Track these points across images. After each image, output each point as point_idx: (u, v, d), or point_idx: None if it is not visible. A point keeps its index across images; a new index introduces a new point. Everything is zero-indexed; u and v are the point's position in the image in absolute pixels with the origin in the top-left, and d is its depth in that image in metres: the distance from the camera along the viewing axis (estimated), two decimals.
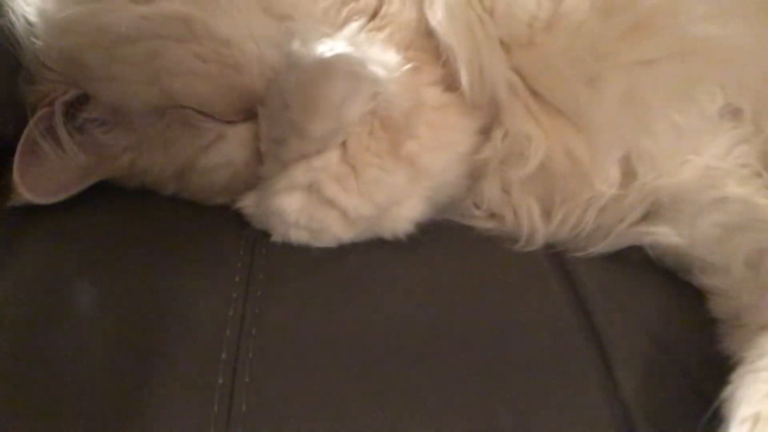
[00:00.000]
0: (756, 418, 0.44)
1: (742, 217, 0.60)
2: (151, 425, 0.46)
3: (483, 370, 0.53)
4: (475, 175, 0.67)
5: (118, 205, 0.63)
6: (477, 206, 0.68)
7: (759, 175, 0.65)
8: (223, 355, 0.51)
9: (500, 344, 0.55)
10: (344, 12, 0.65)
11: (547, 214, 0.66)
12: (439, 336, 0.55)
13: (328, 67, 0.56)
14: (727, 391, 0.47)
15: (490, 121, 0.65)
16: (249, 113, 0.63)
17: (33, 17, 0.60)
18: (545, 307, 0.59)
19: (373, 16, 0.66)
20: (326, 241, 0.61)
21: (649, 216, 0.65)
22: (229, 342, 0.52)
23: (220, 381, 0.49)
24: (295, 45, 0.57)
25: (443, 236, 0.65)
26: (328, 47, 0.56)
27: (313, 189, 0.59)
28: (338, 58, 0.56)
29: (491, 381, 0.52)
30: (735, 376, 0.47)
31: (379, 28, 0.64)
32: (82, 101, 0.61)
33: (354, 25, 0.61)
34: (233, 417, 0.47)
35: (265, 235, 0.62)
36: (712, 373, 0.50)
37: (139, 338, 0.51)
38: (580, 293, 0.60)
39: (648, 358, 0.54)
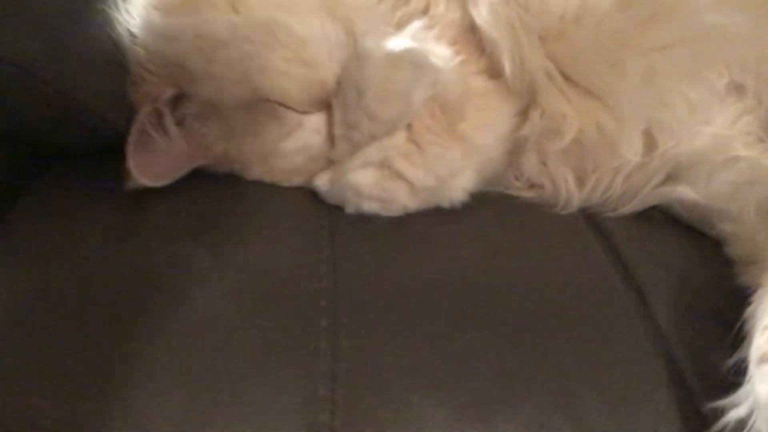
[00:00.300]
0: None
1: (751, 173, 0.70)
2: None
3: (537, 320, 0.62)
4: (515, 150, 0.77)
5: (212, 188, 0.73)
6: (517, 178, 0.78)
7: (762, 140, 0.75)
8: (323, 303, 0.61)
9: (551, 293, 0.65)
10: (397, 14, 0.76)
11: (580, 181, 0.76)
12: (497, 290, 0.65)
13: (398, 59, 0.66)
14: (749, 310, 0.57)
15: (527, 103, 0.76)
16: (321, 105, 0.73)
17: (137, 29, 0.70)
18: (586, 259, 0.69)
19: (422, 16, 0.77)
20: (394, 210, 0.71)
21: (670, 178, 0.75)
22: (326, 292, 0.62)
23: (323, 323, 0.59)
24: (369, 42, 0.67)
25: (492, 204, 0.75)
26: (397, 43, 0.66)
27: (384, 164, 0.69)
28: (405, 52, 0.66)
29: (545, 330, 0.62)
30: (755, 297, 0.57)
31: (430, 27, 0.75)
32: (179, 99, 0.71)
33: (415, 25, 0.70)
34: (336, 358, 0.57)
35: (339, 207, 0.72)
36: (734, 304, 0.60)
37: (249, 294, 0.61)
38: (614, 245, 0.70)
39: (679, 296, 0.64)
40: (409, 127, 0.69)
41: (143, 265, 0.61)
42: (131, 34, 0.70)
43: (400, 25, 0.75)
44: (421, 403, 0.55)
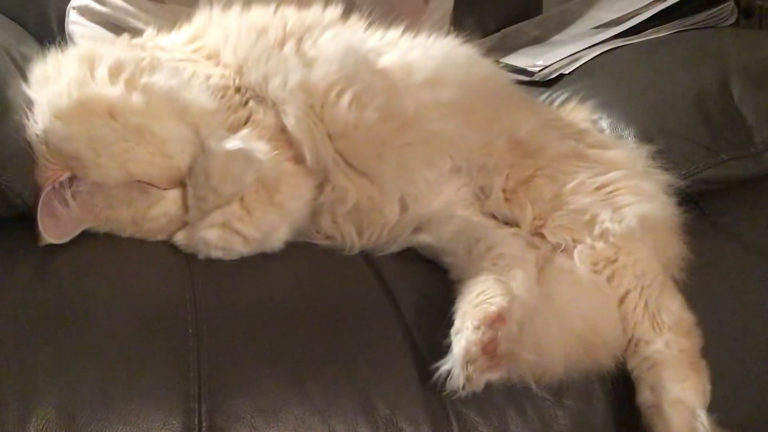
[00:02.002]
0: (464, 314, 0.91)
1: (464, 226, 1.09)
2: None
3: (330, 321, 0.97)
4: (315, 212, 1.12)
5: (99, 242, 1.00)
6: (318, 231, 1.13)
7: (472, 204, 1.15)
8: (189, 317, 0.91)
9: (338, 303, 1.00)
10: (229, 120, 1.09)
11: (360, 233, 1.12)
12: (304, 309, 0.98)
13: (233, 155, 0.99)
14: (454, 307, 0.94)
15: (322, 180, 1.11)
16: (177, 183, 1.03)
17: (40, 131, 0.98)
18: (360, 282, 1.03)
19: (246, 121, 1.10)
20: (232, 255, 1.02)
21: (416, 229, 1.13)
22: (190, 313, 0.92)
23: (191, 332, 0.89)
24: (212, 142, 1.00)
25: (299, 249, 1.09)
26: (232, 143, 0.99)
27: (225, 225, 1.01)
28: (238, 150, 0.99)
29: (334, 328, 0.96)
30: (458, 299, 0.95)
31: (253, 128, 1.08)
32: (72, 179, 0.98)
33: (244, 131, 1.04)
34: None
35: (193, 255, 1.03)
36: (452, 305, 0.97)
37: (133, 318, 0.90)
38: (379, 271, 1.05)
39: (420, 301, 1.00)
40: (241, 198, 1.02)
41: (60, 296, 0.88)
42: (36, 134, 0.98)
43: (231, 128, 1.08)
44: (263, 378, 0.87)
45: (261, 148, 1.02)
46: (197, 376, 0.85)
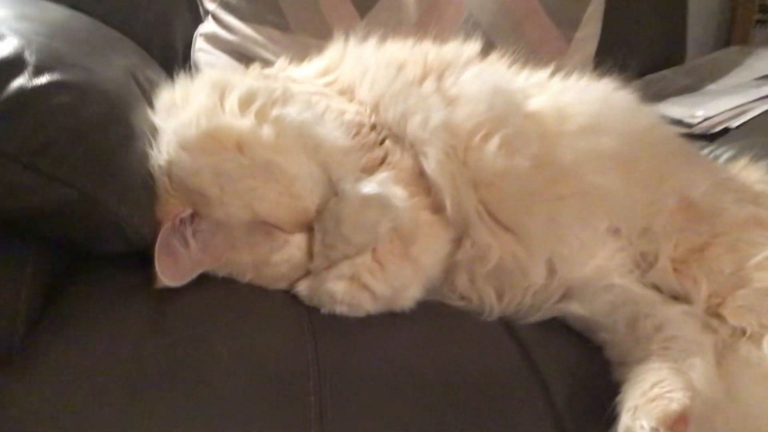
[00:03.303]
0: (635, 408, 0.76)
1: (623, 296, 0.94)
2: None
3: (465, 401, 0.83)
4: (450, 270, 0.99)
5: (218, 288, 0.91)
6: (452, 291, 1.00)
7: (631, 271, 1.00)
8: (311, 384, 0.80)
9: (476, 380, 0.86)
10: (363, 160, 0.99)
11: (500, 296, 0.99)
12: (437, 378, 0.85)
13: (369, 200, 0.88)
14: (619, 396, 0.80)
15: (461, 233, 0.99)
16: (304, 227, 0.93)
17: (164, 162, 0.90)
18: (502, 357, 0.90)
19: (381, 162, 1.00)
20: (359, 312, 0.90)
21: (565, 297, 0.99)
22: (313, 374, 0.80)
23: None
24: (347, 185, 0.89)
25: (430, 309, 0.96)
26: (369, 187, 0.88)
27: (354, 278, 0.89)
28: (375, 195, 0.88)
29: (471, 409, 0.82)
30: (624, 388, 0.80)
31: (389, 171, 0.98)
32: (193, 216, 0.90)
33: (382, 175, 0.93)
34: None
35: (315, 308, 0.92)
36: (611, 393, 0.82)
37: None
38: (525, 346, 0.91)
39: (573, 385, 0.86)
40: (374, 249, 0.90)
41: (174, 350, 0.78)
42: (160, 165, 0.90)
43: (365, 169, 0.98)
44: None
45: (398, 194, 0.91)
46: None
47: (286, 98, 0.97)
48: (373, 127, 1.03)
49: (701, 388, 0.78)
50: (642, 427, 0.74)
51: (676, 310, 0.91)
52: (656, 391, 0.77)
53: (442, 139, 0.97)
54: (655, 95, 1.59)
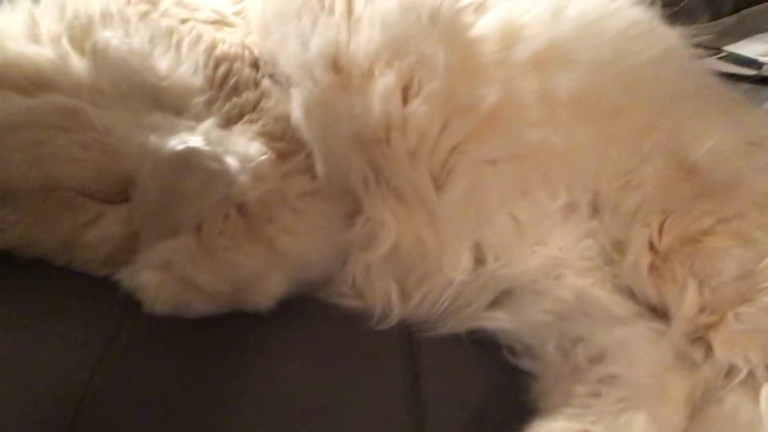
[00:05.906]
0: None
1: (568, 307, 0.64)
2: None
3: None
4: (344, 257, 0.72)
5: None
6: (346, 285, 0.73)
7: (599, 268, 0.69)
8: None
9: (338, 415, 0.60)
10: (227, 105, 0.72)
11: (404, 294, 0.71)
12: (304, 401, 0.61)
13: (181, 160, 0.62)
14: None
15: (354, 208, 0.71)
16: (128, 194, 0.69)
17: None
18: (379, 389, 0.63)
19: (253, 109, 0.73)
20: (189, 314, 0.66)
21: (496, 302, 0.69)
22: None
23: None
24: (153, 137, 0.63)
25: (307, 312, 0.70)
26: (181, 140, 0.62)
27: (168, 267, 0.64)
28: (190, 152, 0.62)
29: None
30: None
31: (254, 120, 0.71)
32: None
33: (209, 121, 0.67)
34: None
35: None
36: None
37: None
38: (417, 372, 0.64)
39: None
40: (198, 228, 0.65)
41: None
42: None
43: (231, 117, 0.72)
44: None
45: (240, 150, 0.65)
46: None
47: (111, 23, 0.72)
48: (255, 63, 0.77)
49: None
50: None
51: (635, 331, 0.60)
52: None
53: (315, 75, 0.69)
54: (747, 33, 1.29)
